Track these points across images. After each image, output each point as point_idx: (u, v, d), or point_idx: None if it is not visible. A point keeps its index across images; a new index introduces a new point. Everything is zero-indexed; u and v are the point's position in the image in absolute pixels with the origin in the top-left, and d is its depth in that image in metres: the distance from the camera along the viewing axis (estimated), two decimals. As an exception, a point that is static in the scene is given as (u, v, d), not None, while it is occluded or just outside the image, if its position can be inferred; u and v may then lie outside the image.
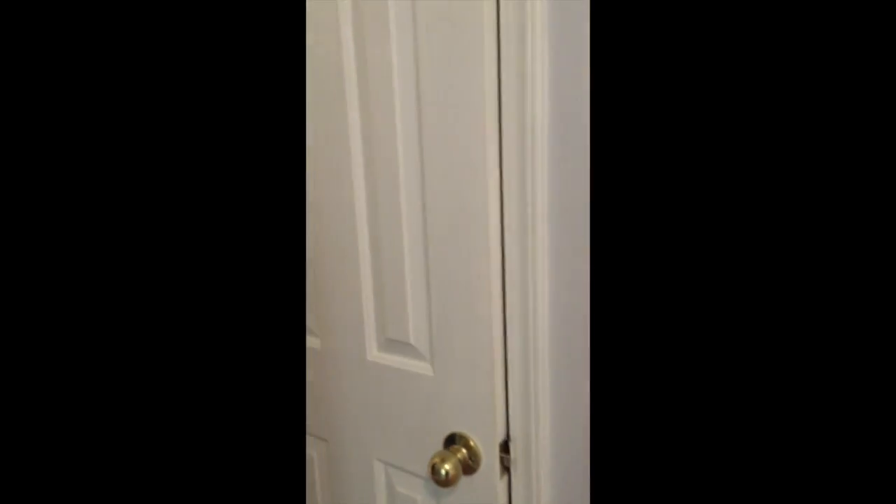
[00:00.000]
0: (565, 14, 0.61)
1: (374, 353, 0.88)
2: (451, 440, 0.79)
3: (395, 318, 0.83)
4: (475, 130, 0.67)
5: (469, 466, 0.78)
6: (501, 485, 0.78)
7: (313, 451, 1.03)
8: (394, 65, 0.73)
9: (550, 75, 0.63)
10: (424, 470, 0.84)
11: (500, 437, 0.76)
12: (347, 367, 0.91)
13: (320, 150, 0.85)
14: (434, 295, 0.77)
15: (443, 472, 0.75)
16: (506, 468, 0.77)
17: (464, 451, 0.78)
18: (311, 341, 0.97)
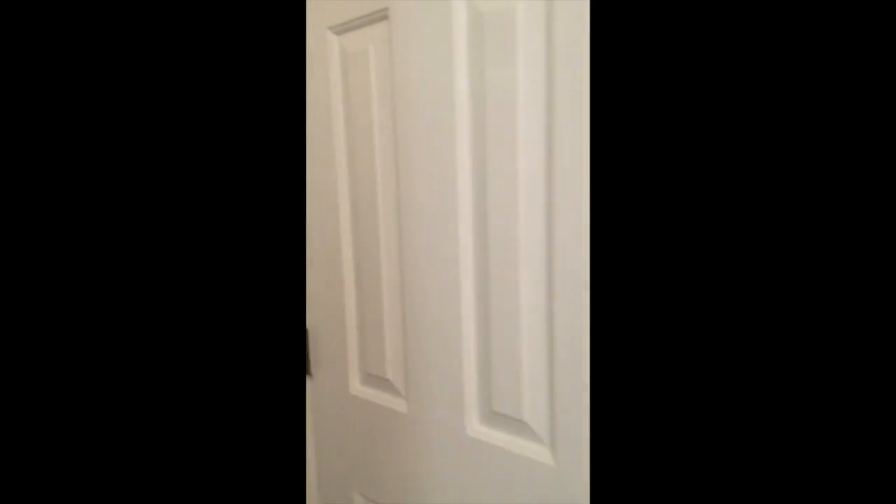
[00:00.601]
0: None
1: (474, 428, 0.74)
2: (576, 547, 0.64)
3: (504, 389, 0.69)
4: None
5: (600, 584, 0.62)
6: None
7: (395, 529, 0.90)
8: (519, 91, 0.61)
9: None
10: (537, 576, 0.69)
11: (644, 552, 0.61)
12: (440, 440, 0.78)
13: (422, 189, 0.73)
14: (558, 368, 0.63)
15: (570, 592, 0.60)
16: (648, 590, 0.62)
17: (594, 563, 0.62)
18: (398, 403, 0.85)
